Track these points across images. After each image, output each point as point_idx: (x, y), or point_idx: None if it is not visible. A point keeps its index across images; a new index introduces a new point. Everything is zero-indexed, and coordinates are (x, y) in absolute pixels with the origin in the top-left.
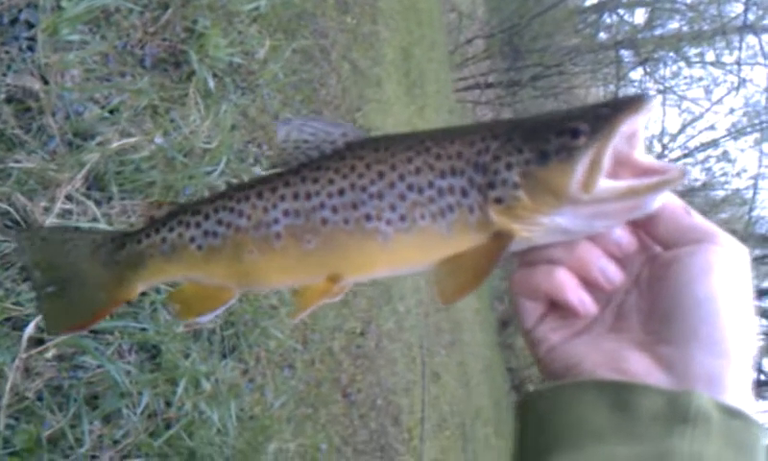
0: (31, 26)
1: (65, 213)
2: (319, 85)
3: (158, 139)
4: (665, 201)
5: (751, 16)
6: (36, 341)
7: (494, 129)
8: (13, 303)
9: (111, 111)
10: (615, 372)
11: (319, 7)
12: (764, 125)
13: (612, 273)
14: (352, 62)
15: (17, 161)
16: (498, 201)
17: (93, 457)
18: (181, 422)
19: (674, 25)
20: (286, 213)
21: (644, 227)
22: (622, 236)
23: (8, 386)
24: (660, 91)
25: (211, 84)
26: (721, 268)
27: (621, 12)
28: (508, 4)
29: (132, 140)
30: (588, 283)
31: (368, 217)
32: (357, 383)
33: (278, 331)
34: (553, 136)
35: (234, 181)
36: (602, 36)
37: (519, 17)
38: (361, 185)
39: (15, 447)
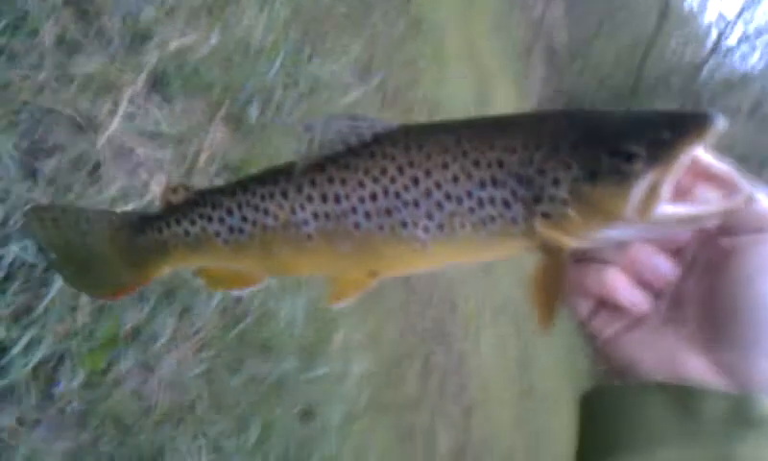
0: None
1: (129, 116)
2: None
3: (215, 38)
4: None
5: None
6: None
7: (538, 134)
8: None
9: (167, 13)
10: (673, 373)
11: None
12: None
13: (665, 269)
14: None
15: (79, 66)
16: (545, 215)
17: (170, 350)
18: (252, 316)
19: None
20: (316, 216)
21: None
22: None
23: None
24: None
25: None
26: None
27: None
28: None
29: (189, 40)
30: (641, 281)
31: (404, 224)
32: (417, 275)
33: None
34: (605, 155)
35: (288, 81)
36: None
37: None
38: (395, 191)
39: (98, 341)
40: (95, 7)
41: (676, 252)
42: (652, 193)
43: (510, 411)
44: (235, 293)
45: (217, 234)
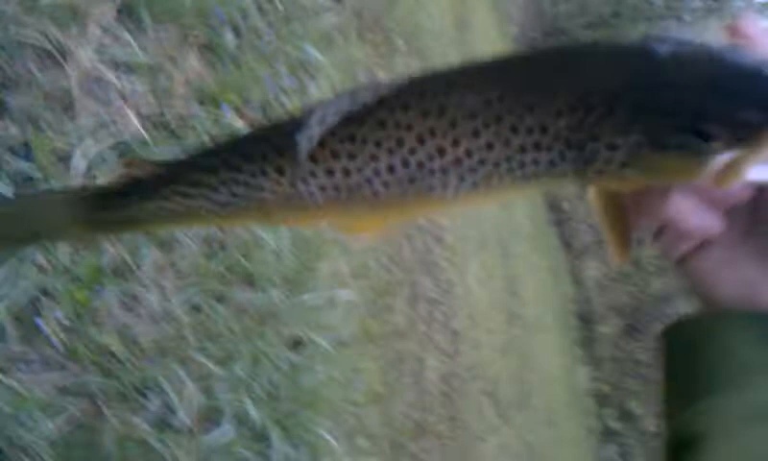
0: None
1: (101, 46)
2: None
3: None
4: None
5: None
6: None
7: (586, 92)
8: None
9: None
10: (752, 297)
11: None
12: None
13: (734, 191)
14: None
15: None
16: (600, 172)
17: (153, 282)
18: (238, 245)
19: None
20: (323, 188)
21: None
22: None
23: None
24: None
25: None
26: None
27: None
28: None
29: None
30: (711, 199)
31: (431, 188)
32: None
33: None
34: (673, 130)
35: (265, 4)
36: None
37: None
38: (417, 162)
39: (81, 276)
40: None
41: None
42: (731, 169)
43: (497, 338)
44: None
45: (201, 207)
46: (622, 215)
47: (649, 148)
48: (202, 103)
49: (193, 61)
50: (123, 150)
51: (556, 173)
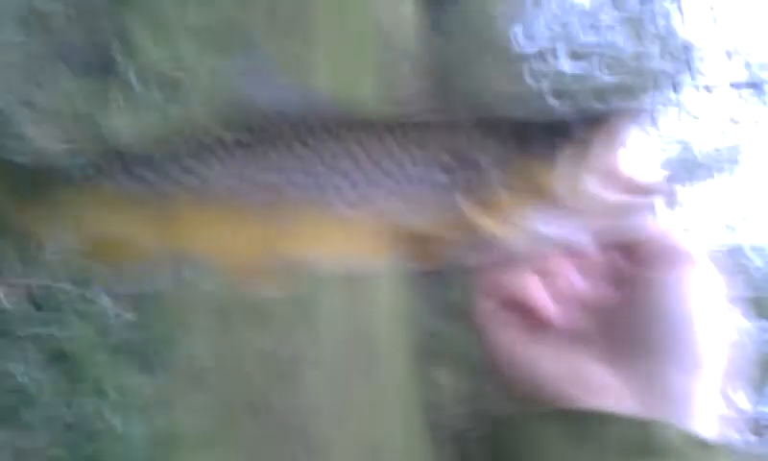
0: None
1: None
2: None
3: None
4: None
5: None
6: None
7: (474, 119)
8: None
9: (33, 111)
10: (581, 390)
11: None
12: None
13: (579, 284)
14: None
15: None
16: (474, 194)
17: None
18: (86, 430)
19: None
20: (232, 175)
21: (620, 244)
22: (596, 253)
23: None
24: None
25: (139, 92)
26: (696, 289)
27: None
28: (444, 46)
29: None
30: (554, 293)
31: (322, 192)
32: (272, 406)
33: (197, 347)
34: (540, 131)
35: None
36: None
37: (454, 59)
38: (322, 159)
39: None
40: None
41: (591, 282)
42: (584, 169)
43: None
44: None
45: (115, 192)
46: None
47: (519, 159)
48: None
49: None
50: None
51: (436, 198)
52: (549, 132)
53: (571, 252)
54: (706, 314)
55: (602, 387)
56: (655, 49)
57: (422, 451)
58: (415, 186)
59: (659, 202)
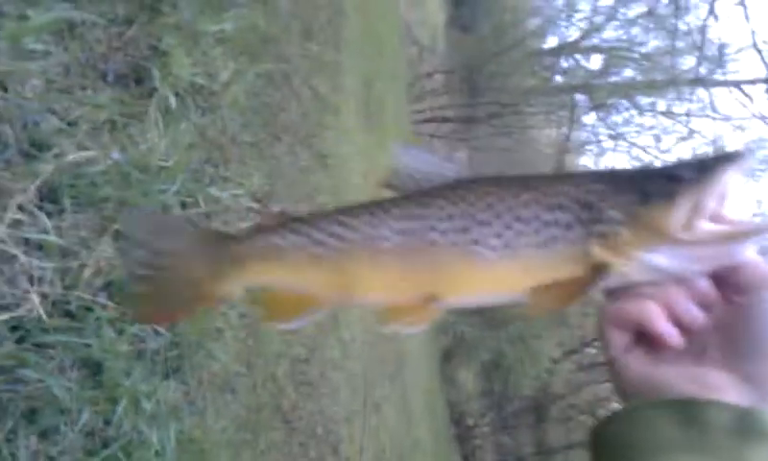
0: None
1: (16, 223)
2: (279, 110)
3: (115, 154)
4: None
5: (702, 70)
6: None
7: (600, 173)
8: None
9: (70, 124)
10: (696, 389)
11: (284, 33)
12: None
13: (696, 312)
14: (313, 89)
15: None
16: (601, 235)
17: None
18: (120, 441)
19: (628, 73)
20: (396, 232)
21: (724, 275)
22: (707, 286)
23: None
24: (611, 137)
25: (172, 102)
26: None
27: (578, 57)
28: (468, 41)
29: (88, 154)
30: (674, 319)
31: (474, 242)
32: (299, 410)
33: (223, 354)
34: (657, 180)
35: (189, 199)
36: (558, 79)
37: (478, 55)
38: (470, 213)
39: None
40: None
41: (705, 310)
42: (696, 209)
43: None
44: (289, 325)
45: (298, 246)
46: (577, 291)
47: (638, 204)
48: (109, 289)
49: (107, 248)
50: (17, 330)
51: (569, 238)
52: (667, 180)
53: (684, 282)
54: None
55: (717, 386)
56: (685, 46)
57: (448, 449)
58: (549, 232)
59: (754, 237)
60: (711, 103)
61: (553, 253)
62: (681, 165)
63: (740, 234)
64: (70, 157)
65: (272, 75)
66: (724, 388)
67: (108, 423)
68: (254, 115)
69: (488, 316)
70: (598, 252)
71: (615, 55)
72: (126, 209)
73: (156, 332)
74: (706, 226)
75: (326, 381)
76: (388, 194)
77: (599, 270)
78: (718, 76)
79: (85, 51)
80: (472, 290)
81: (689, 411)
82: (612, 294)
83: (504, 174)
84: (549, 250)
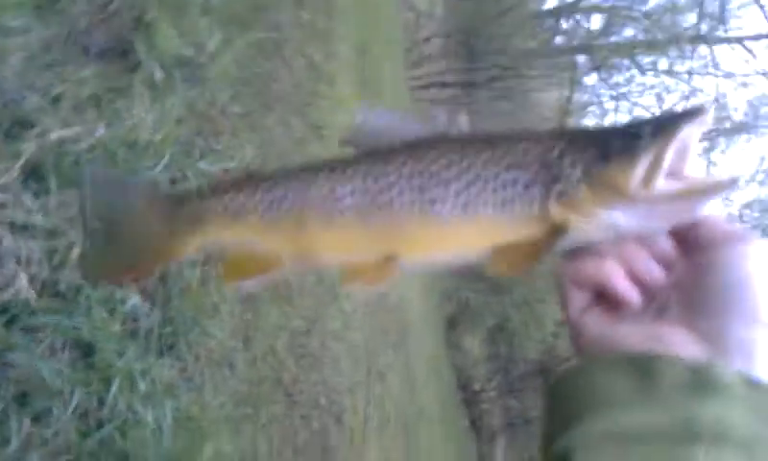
0: None
1: (0, 205)
2: (271, 80)
3: (100, 130)
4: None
5: (703, 27)
6: None
7: (559, 132)
8: None
9: (53, 100)
10: (652, 346)
11: (274, 0)
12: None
13: (655, 270)
14: (306, 58)
15: None
16: (560, 194)
17: (20, 457)
18: (114, 422)
19: (629, 33)
20: (353, 192)
21: (684, 233)
22: (667, 244)
23: None
24: (613, 97)
25: (158, 75)
26: (756, 256)
27: (578, 17)
28: (466, 4)
29: (72, 131)
30: (633, 278)
31: (432, 201)
32: (300, 383)
33: (219, 330)
34: (616, 138)
35: (179, 174)
36: (558, 40)
37: (477, 18)
38: (429, 172)
39: None
40: None
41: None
42: (655, 165)
43: None
44: (248, 283)
45: (256, 206)
46: (536, 253)
47: (599, 160)
48: None
49: None
50: (5, 313)
51: (527, 199)
52: (626, 137)
53: (643, 239)
54: (760, 278)
55: (673, 343)
56: (686, 3)
57: (455, 415)
58: (508, 192)
59: (713, 193)
60: (714, 60)
61: (512, 213)
62: (640, 122)
63: (699, 191)
64: (54, 135)
65: (262, 44)
66: (680, 344)
67: (102, 403)
68: (245, 86)
69: (492, 281)
70: (557, 211)
71: (616, 14)
72: (82, 168)
73: (150, 309)
74: (665, 183)
75: (328, 352)
76: (350, 153)
77: (558, 230)
78: (720, 33)
79: (67, 25)
80: (430, 250)
81: (642, 366)
82: (571, 253)
83: (466, 132)
84: (508, 210)
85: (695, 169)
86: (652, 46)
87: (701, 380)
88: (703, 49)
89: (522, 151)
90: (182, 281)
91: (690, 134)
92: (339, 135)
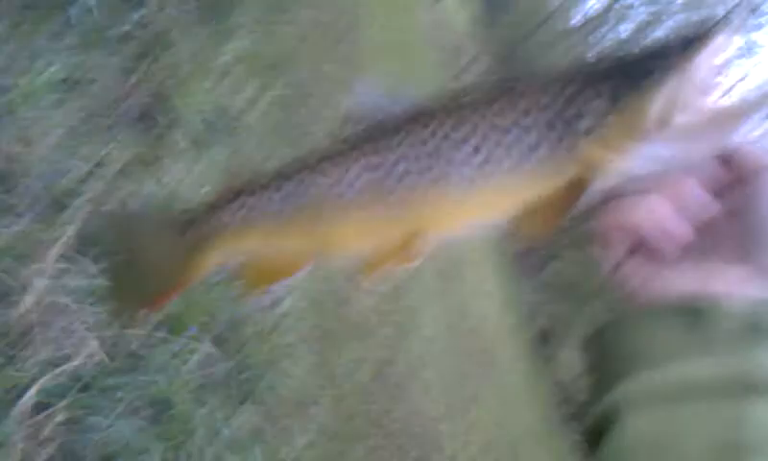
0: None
1: (61, 273)
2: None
3: (146, 191)
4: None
5: None
6: (43, 405)
7: (578, 64)
8: (16, 371)
9: (95, 167)
10: (704, 287)
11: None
12: None
13: (707, 199)
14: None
15: (6, 227)
16: (588, 130)
17: None
18: None
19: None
20: (365, 169)
21: (731, 156)
22: (716, 169)
23: (18, 456)
24: None
25: (195, 131)
26: None
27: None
28: (497, 32)
29: (121, 193)
30: (684, 214)
31: (449, 163)
32: (391, 413)
33: (298, 368)
34: (643, 59)
35: None
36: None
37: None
38: (441, 133)
39: None
40: (22, 166)
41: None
42: (690, 83)
43: None
44: (277, 288)
45: (265, 211)
46: (568, 204)
47: (625, 88)
48: (163, 328)
49: None
50: (81, 379)
51: (552, 140)
52: (654, 57)
53: (688, 169)
54: None
55: (730, 280)
56: None
57: (561, 431)
58: (529, 138)
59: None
60: None
61: (536, 162)
62: (664, 42)
63: (745, 105)
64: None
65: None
66: (736, 282)
67: (189, 456)
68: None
69: (576, 290)
70: (586, 149)
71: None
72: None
73: (223, 356)
74: (702, 101)
75: (416, 380)
76: (352, 133)
77: (590, 171)
78: None
79: (99, 95)
80: (455, 218)
81: (692, 313)
82: (608, 197)
83: (473, 85)
84: (531, 159)
85: (728, 85)
86: None
87: (756, 323)
88: None
89: (538, 90)
90: (254, 325)
91: (721, 45)
92: (337, 117)
